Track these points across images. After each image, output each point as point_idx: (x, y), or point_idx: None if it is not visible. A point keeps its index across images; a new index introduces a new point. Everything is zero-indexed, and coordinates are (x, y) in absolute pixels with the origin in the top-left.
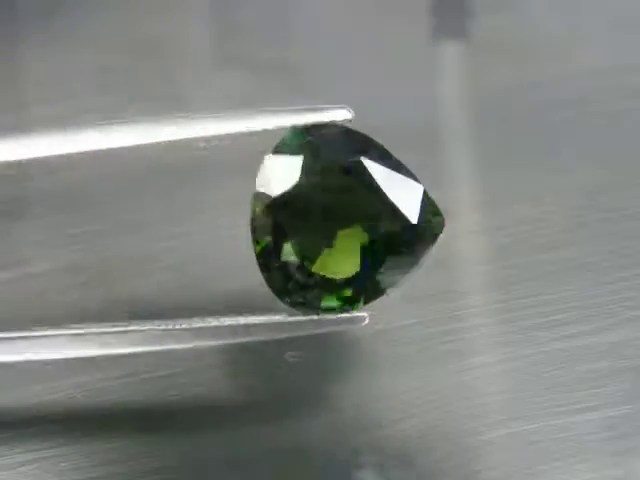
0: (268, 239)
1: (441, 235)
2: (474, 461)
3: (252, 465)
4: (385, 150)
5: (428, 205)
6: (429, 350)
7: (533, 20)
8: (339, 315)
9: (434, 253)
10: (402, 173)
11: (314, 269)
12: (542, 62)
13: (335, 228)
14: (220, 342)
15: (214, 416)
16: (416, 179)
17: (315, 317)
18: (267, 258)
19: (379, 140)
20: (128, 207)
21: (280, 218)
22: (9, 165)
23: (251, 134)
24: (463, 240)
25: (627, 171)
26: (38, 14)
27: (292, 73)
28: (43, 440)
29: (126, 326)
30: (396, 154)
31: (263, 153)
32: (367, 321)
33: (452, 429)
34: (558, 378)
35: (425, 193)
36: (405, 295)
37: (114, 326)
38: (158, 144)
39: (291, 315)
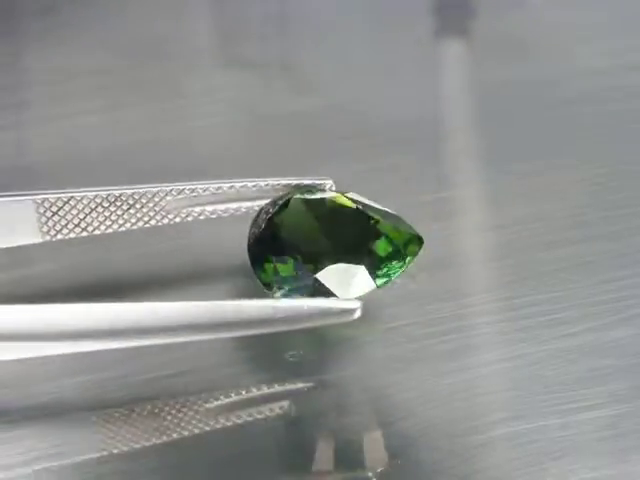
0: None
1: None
2: (474, 461)
3: (253, 463)
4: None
5: (403, 233)
6: (429, 350)
7: (534, 20)
8: (330, 305)
9: (434, 253)
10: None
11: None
12: (542, 62)
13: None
14: (212, 336)
15: (215, 416)
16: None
17: (306, 308)
18: (258, 248)
19: (379, 143)
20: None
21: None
22: None
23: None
24: (463, 240)
25: (627, 170)
26: (38, 15)
27: (292, 73)
28: (43, 440)
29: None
30: (396, 153)
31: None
32: (359, 313)
33: (452, 429)
34: (558, 377)
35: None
36: (405, 295)
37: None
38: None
39: (282, 305)
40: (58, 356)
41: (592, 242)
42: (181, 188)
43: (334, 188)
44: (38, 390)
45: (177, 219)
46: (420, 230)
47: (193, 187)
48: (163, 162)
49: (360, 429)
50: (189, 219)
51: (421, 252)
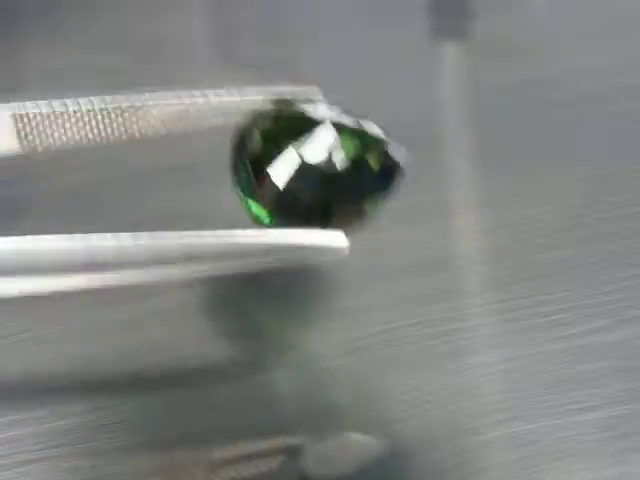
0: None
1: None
2: (474, 461)
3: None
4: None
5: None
6: (429, 350)
7: (533, 20)
8: (318, 243)
9: (433, 254)
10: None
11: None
12: (542, 62)
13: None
14: (200, 267)
15: (215, 419)
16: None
17: (294, 243)
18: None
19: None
20: (128, 207)
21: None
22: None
23: (230, 104)
24: (463, 240)
25: (626, 171)
26: (38, 14)
27: (292, 73)
28: (43, 440)
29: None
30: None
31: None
32: (347, 252)
33: (452, 429)
34: (558, 378)
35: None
36: (405, 295)
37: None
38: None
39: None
40: (59, 356)
41: (591, 244)
42: (165, 102)
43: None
44: (36, 390)
45: (162, 131)
46: (419, 231)
47: (178, 99)
48: (162, 161)
49: (360, 429)
50: (175, 130)
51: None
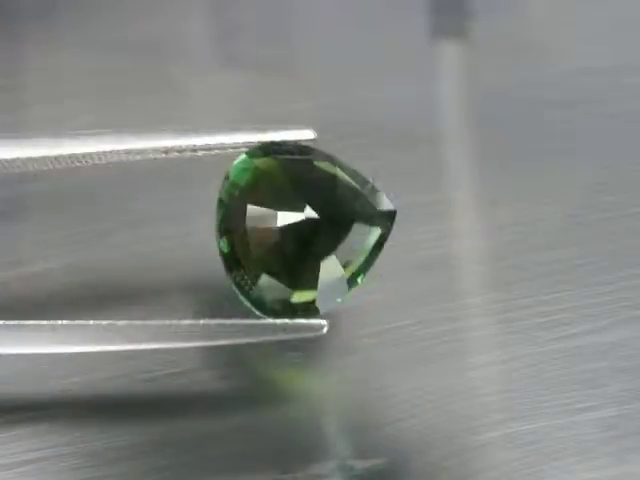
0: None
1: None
2: (474, 461)
3: (252, 464)
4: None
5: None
6: (429, 350)
7: (533, 20)
8: (296, 321)
9: (433, 254)
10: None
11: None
12: (542, 62)
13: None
14: (190, 344)
15: (215, 418)
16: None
17: (276, 322)
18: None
19: (378, 143)
20: (128, 207)
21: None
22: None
23: (221, 147)
24: (463, 240)
25: (627, 171)
26: (38, 15)
27: (292, 73)
28: (43, 440)
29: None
30: (396, 154)
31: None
32: (326, 329)
33: (452, 429)
34: (558, 378)
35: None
36: (405, 295)
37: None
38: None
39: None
40: (61, 357)
41: (590, 243)
42: (148, 146)
43: (313, 136)
44: (37, 390)
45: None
46: (419, 231)
47: (162, 145)
48: (161, 161)
49: (359, 429)
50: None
51: None
